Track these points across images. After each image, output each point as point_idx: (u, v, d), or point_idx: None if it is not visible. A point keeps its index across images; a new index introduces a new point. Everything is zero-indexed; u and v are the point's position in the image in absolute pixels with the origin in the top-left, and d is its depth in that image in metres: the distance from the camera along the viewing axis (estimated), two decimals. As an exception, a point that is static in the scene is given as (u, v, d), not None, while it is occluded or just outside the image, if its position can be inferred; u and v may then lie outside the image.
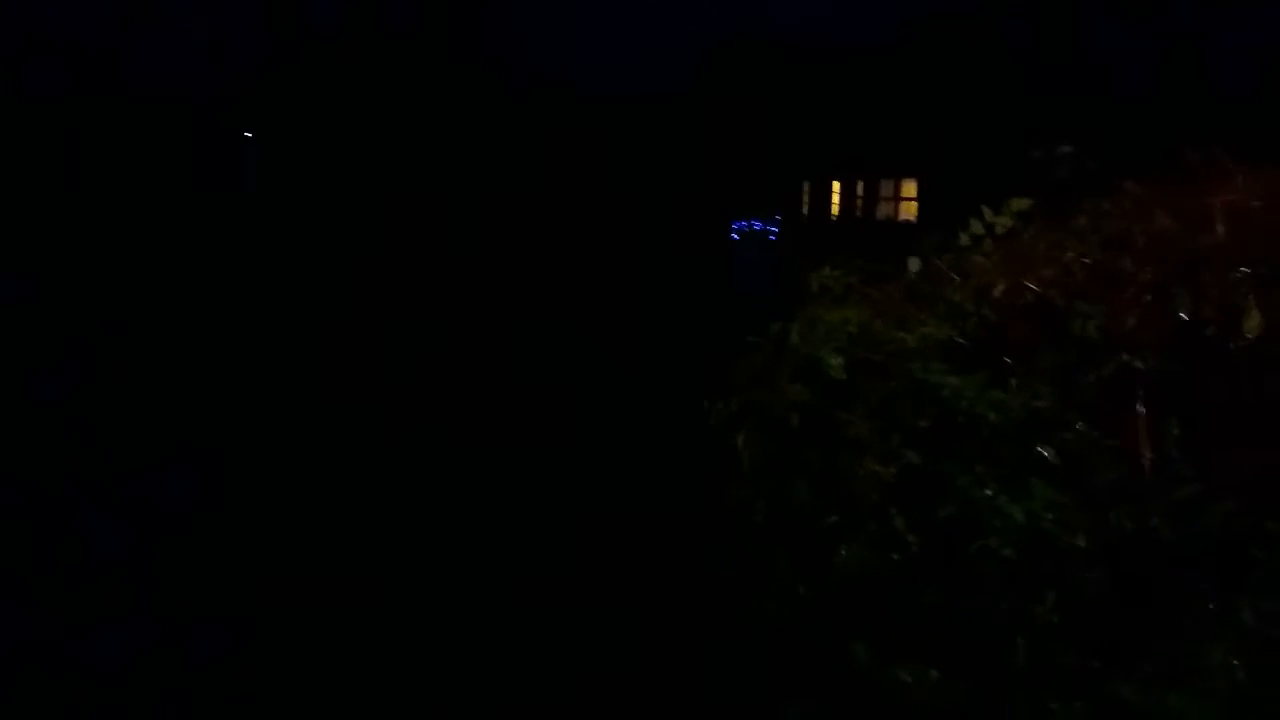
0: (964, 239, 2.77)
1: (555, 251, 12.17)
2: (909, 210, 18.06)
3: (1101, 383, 2.08)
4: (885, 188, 19.20)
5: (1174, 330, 2.00)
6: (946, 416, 2.17)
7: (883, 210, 19.17)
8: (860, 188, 19.53)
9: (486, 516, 5.10)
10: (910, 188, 18.68)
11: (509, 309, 9.50)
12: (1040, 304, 2.22)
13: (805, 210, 20.56)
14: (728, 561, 3.12)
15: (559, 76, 15.10)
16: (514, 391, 6.90)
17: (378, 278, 9.84)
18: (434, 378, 7.17)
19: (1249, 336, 1.92)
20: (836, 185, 20.02)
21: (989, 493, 2.07)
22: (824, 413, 2.51)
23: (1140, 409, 2.01)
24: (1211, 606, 1.98)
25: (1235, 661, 1.96)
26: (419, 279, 9.91)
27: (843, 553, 2.60)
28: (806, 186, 20.39)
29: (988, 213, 2.74)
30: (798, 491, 2.71)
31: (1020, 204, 2.74)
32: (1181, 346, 2.01)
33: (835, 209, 20.19)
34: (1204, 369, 1.99)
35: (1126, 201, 2.54)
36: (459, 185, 12.92)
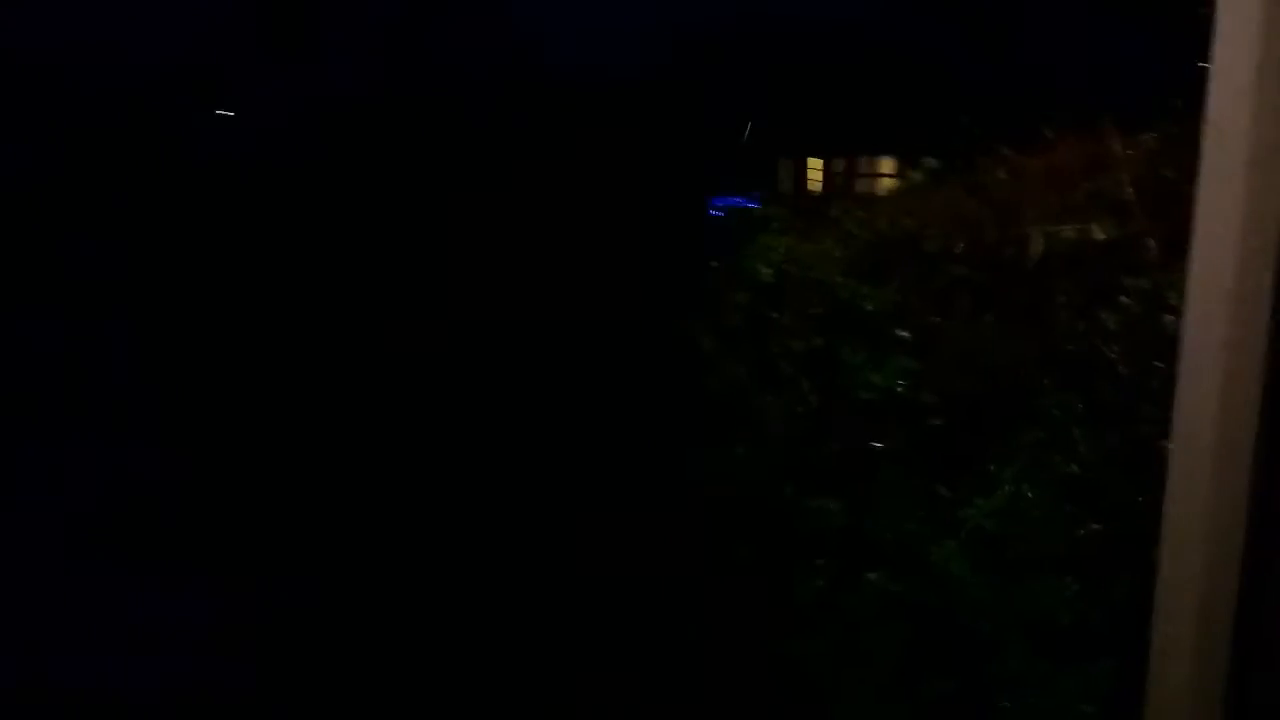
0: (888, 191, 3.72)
1: (547, 227, 13.02)
2: (887, 186, 18.99)
3: (943, 287, 3.02)
4: (863, 165, 20.19)
5: (986, 250, 2.94)
6: (838, 308, 3.10)
7: (861, 186, 20.11)
8: (841, 165, 20.53)
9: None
10: (887, 165, 19.64)
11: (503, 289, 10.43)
12: (908, 231, 3.15)
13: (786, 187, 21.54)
14: (690, 435, 4.08)
15: (531, 58, 15.49)
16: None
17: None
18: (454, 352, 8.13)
19: (1033, 256, 2.85)
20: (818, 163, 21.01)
21: (860, 362, 3.00)
22: (758, 312, 3.44)
23: (964, 304, 2.95)
24: (1007, 437, 2.94)
25: (1018, 475, 2.92)
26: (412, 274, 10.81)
27: (770, 417, 3.55)
28: (789, 164, 21.39)
29: (909, 171, 3.69)
30: (739, 373, 3.66)
31: (930, 163, 3.70)
32: (992, 262, 2.94)
33: (809, 184, 21.19)
34: (1005, 277, 2.93)
35: (994, 161, 3.49)
36: (435, 175, 13.67)
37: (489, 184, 13.31)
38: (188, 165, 13.66)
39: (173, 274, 11.31)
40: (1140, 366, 2.63)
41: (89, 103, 13.55)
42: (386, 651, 3.97)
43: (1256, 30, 1.21)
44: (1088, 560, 2.74)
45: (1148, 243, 2.70)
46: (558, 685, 3.83)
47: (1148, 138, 3.04)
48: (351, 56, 14.04)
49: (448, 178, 13.54)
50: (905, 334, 3.06)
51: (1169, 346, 2.77)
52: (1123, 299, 2.64)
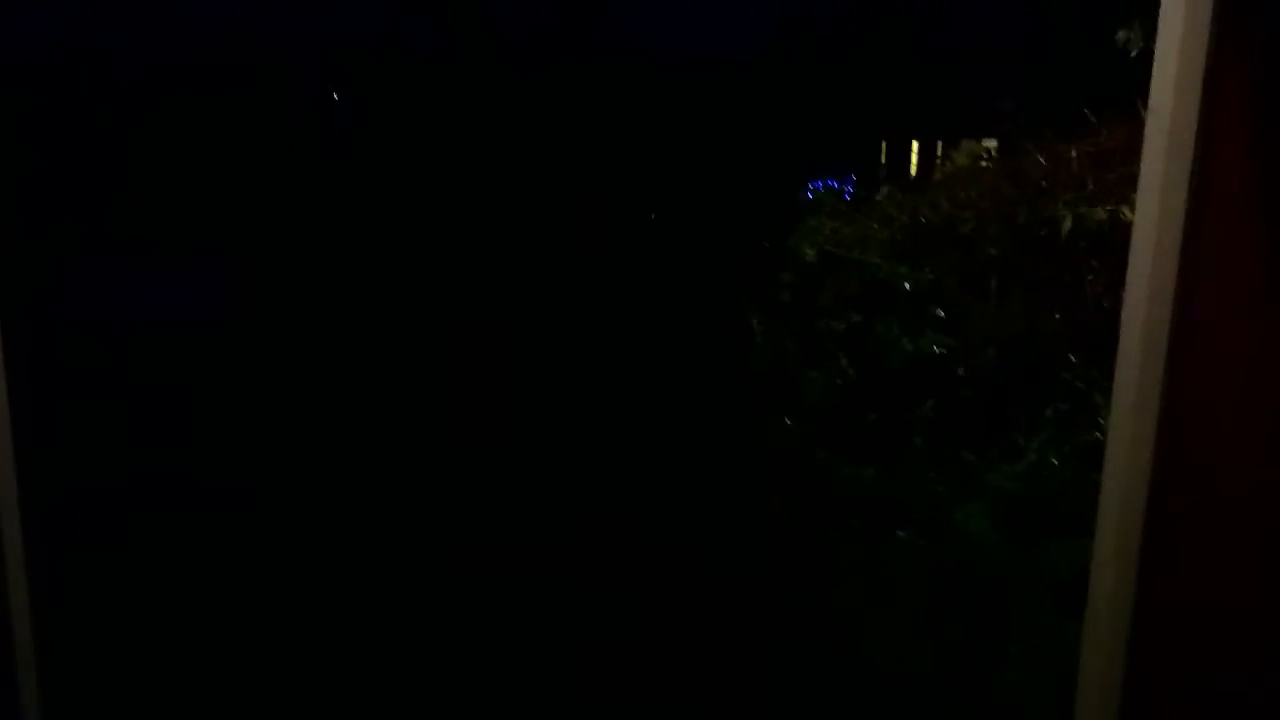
0: (938, 173, 3.89)
1: (631, 204, 13.48)
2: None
3: (976, 265, 3.19)
4: (965, 148, 19.76)
5: (1018, 230, 3.09)
6: (876, 286, 3.31)
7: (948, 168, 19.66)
8: (939, 148, 20.13)
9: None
10: (990, 146, 19.15)
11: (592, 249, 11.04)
12: (945, 214, 3.32)
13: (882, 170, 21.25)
14: (740, 406, 4.35)
15: (629, 39, 15.93)
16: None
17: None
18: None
19: (1063, 236, 3.00)
20: (915, 145, 20.66)
21: (894, 336, 3.21)
22: (803, 290, 3.68)
23: (994, 283, 3.12)
24: (1031, 411, 3.10)
25: (1044, 444, 3.08)
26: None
27: (812, 389, 3.79)
28: (884, 147, 21.10)
29: (955, 154, 3.85)
30: (787, 349, 3.90)
31: (975, 147, 3.84)
32: (1024, 242, 3.10)
33: (914, 168, 20.82)
34: (1036, 258, 3.08)
35: (1037, 146, 3.61)
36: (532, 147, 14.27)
37: (572, 160, 13.85)
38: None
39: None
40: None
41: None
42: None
43: (1182, 37, 1.45)
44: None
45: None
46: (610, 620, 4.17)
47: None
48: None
49: (539, 151, 14.13)
50: (940, 312, 3.25)
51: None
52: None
